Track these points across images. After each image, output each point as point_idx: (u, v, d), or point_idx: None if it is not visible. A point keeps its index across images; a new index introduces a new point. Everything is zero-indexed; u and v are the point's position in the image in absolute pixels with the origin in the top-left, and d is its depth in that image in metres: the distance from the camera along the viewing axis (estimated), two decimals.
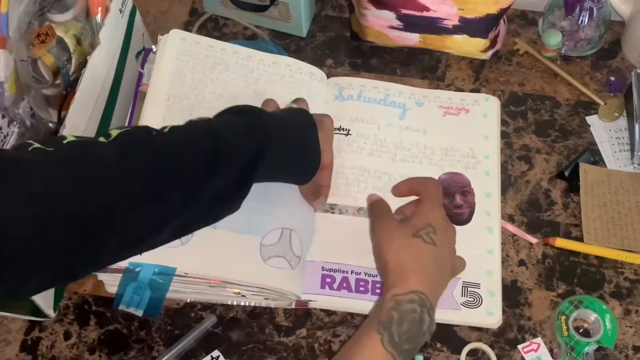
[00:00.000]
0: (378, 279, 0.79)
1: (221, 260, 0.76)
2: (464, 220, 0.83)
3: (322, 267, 0.80)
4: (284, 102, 0.86)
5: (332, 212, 0.83)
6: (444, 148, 0.88)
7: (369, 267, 0.80)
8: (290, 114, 0.77)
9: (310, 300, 0.79)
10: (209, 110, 0.83)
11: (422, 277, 0.69)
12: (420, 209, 0.75)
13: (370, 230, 0.78)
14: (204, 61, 0.87)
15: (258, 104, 0.85)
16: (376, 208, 0.78)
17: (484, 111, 0.90)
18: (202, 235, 0.76)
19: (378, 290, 0.79)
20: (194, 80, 0.85)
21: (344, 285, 0.79)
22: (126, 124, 0.85)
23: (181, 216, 0.66)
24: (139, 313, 0.77)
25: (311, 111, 0.88)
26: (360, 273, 0.80)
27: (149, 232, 0.65)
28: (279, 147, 0.71)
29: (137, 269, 0.74)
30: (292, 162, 0.75)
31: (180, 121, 0.81)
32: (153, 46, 0.87)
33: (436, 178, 0.85)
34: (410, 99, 0.91)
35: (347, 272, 0.80)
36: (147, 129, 0.66)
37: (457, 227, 0.81)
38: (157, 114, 0.82)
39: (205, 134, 0.68)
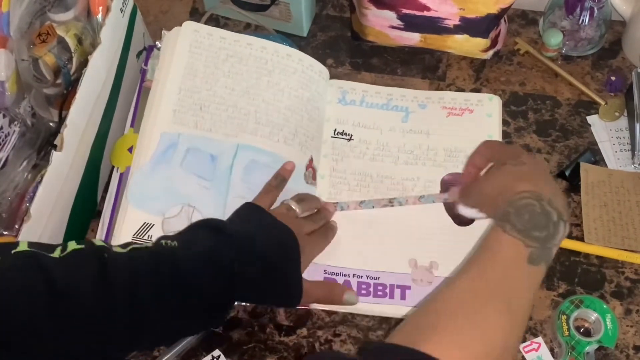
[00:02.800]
0: (380, 281, 0.79)
1: None
2: (468, 221, 0.82)
3: (324, 271, 0.80)
4: (296, 95, 0.86)
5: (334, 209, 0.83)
6: (447, 149, 0.88)
7: (371, 269, 0.80)
8: (272, 246, 0.71)
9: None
10: (219, 105, 0.83)
11: (527, 182, 0.67)
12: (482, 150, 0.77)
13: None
14: (217, 54, 0.86)
15: (272, 96, 0.85)
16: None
17: (488, 111, 0.90)
18: None
19: (380, 293, 0.79)
20: (206, 73, 0.85)
21: None
22: (129, 121, 0.85)
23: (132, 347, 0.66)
24: None
25: (317, 112, 0.88)
26: (362, 276, 0.80)
27: None
28: (252, 286, 0.69)
29: None
30: (269, 299, 0.74)
31: (190, 116, 0.82)
32: (157, 42, 0.87)
33: (439, 179, 0.85)
34: (413, 102, 0.91)
35: (349, 275, 0.80)
36: (99, 253, 0.63)
37: (461, 228, 0.82)
38: (168, 108, 0.82)
39: (167, 271, 0.65)
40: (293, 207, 0.77)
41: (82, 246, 0.64)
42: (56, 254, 0.62)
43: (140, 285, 0.63)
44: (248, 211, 0.75)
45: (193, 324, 0.68)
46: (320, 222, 0.79)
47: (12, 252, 0.61)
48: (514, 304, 0.60)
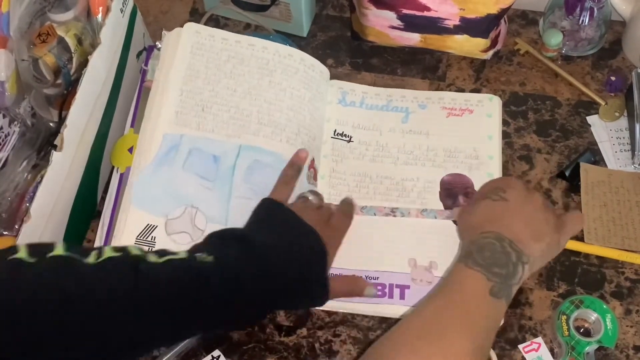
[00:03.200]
0: (379, 281, 0.79)
1: None
2: None
3: None
4: (298, 95, 0.86)
5: None
6: (447, 149, 0.87)
7: (370, 269, 0.80)
8: (299, 250, 0.71)
9: None
10: (222, 105, 0.83)
11: (493, 223, 0.69)
12: (487, 183, 0.77)
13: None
14: (218, 55, 0.86)
15: (274, 96, 0.85)
16: None
17: (488, 111, 0.90)
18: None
19: (379, 293, 0.79)
20: (208, 75, 0.85)
21: None
22: (129, 122, 0.85)
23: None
24: None
25: (318, 112, 0.88)
26: (361, 276, 0.80)
27: None
28: (283, 296, 0.70)
29: None
30: (296, 304, 0.75)
31: (193, 117, 0.82)
32: (157, 42, 0.87)
33: (439, 179, 0.85)
34: (414, 102, 0.91)
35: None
36: (135, 263, 0.64)
37: None
38: (170, 110, 0.82)
39: (202, 289, 0.65)
40: (310, 198, 0.77)
41: (119, 254, 0.64)
42: (91, 259, 0.63)
43: (174, 302, 0.64)
44: (271, 212, 0.75)
45: (218, 331, 0.72)
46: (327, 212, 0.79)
47: (48, 255, 0.61)
48: (476, 330, 0.62)
